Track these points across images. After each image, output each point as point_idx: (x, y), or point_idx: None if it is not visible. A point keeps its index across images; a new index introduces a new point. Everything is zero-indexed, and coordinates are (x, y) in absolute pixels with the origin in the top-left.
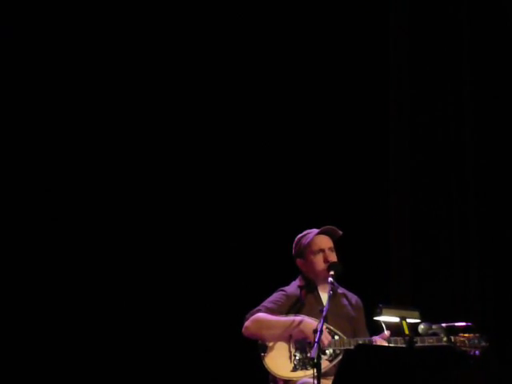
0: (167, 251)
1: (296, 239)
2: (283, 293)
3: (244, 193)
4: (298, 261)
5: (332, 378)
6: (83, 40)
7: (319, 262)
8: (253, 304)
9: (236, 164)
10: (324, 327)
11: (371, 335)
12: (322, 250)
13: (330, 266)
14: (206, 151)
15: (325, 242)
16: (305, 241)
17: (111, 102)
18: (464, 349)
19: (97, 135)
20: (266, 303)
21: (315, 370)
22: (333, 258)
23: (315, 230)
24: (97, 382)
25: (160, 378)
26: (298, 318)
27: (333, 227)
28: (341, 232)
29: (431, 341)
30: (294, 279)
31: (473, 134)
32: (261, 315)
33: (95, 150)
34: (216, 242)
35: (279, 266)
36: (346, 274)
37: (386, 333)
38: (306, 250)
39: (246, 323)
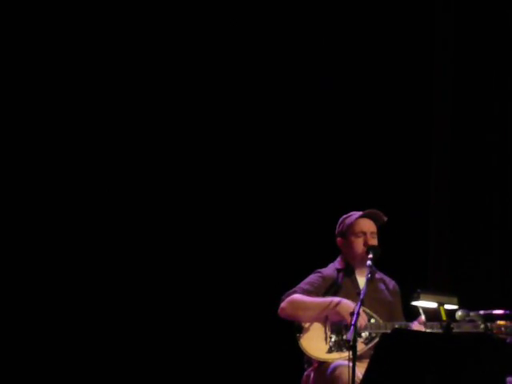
0: (200, 231)
1: (341, 219)
2: (319, 275)
3: (289, 175)
4: (339, 240)
5: (367, 361)
6: (82, 40)
7: (359, 245)
8: (289, 286)
9: (286, 144)
10: (361, 310)
11: (407, 321)
12: (364, 233)
13: (369, 249)
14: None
15: (368, 225)
16: (348, 221)
17: (102, 100)
18: (501, 336)
19: (92, 136)
20: (303, 284)
21: (351, 353)
22: (374, 242)
23: (361, 213)
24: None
25: (195, 358)
26: (336, 299)
27: (378, 212)
28: (386, 218)
29: (468, 327)
30: (332, 261)
31: None
32: (297, 296)
33: (90, 149)
34: (255, 222)
35: (317, 247)
36: (384, 259)
37: (422, 317)
38: (348, 231)
39: (282, 304)
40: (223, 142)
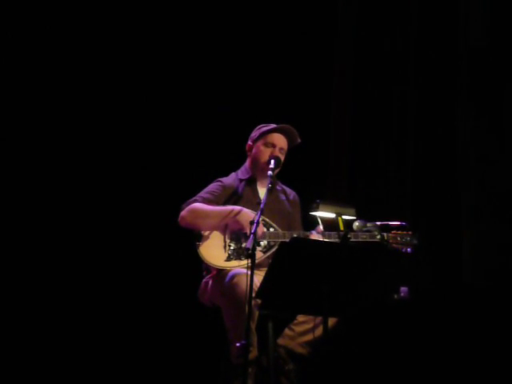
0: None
1: (259, 125)
2: (220, 183)
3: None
4: (249, 144)
5: (265, 269)
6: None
7: (264, 155)
8: (190, 195)
9: None
10: (260, 219)
11: (306, 231)
12: (274, 146)
13: (271, 158)
14: None
15: (280, 140)
16: (264, 129)
17: None
18: (396, 246)
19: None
20: (203, 193)
21: (249, 261)
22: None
23: (280, 126)
24: None
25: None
26: (236, 208)
27: (294, 130)
28: (300, 140)
29: (364, 237)
30: (234, 171)
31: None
32: (197, 205)
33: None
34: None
35: (220, 158)
36: (285, 172)
37: (320, 227)
38: (260, 138)
39: (182, 213)
40: None
